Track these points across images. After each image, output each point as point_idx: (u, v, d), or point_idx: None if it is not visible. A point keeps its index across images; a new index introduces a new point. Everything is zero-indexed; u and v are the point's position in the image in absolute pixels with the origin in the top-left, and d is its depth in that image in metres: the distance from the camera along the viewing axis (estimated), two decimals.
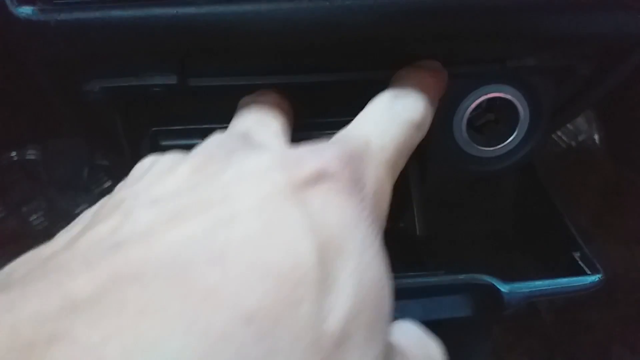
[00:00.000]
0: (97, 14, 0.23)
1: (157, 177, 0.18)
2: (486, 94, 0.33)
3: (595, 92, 0.34)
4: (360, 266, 0.15)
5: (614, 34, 0.28)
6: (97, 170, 0.75)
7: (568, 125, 0.73)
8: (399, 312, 0.31)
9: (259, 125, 0.24)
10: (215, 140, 0.21)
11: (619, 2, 0.27)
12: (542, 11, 0.26)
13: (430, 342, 0.21)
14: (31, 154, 0.75)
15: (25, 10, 0.23)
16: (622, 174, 0.71)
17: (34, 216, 0.75)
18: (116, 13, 0.23)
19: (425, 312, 0.31)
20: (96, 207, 0.19)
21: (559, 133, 0.74)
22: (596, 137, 0.75)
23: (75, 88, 0.29)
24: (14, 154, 0.75)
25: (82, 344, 0.11)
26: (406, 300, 0.31)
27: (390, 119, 0.22)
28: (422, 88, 0.25)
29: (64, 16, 0.23)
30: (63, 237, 0.17)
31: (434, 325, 0.33)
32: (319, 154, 0.17)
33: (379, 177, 0.19)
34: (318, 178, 0.16)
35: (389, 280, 0.16)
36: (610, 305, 0.72)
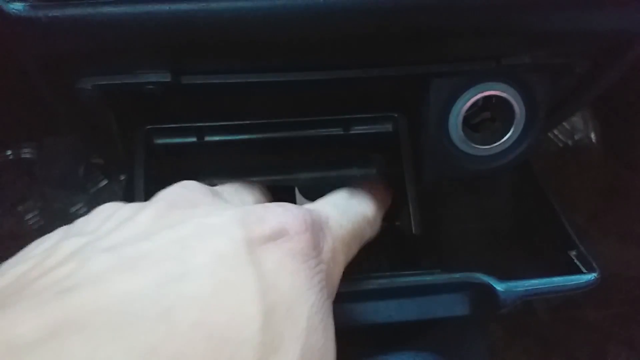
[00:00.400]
0: (89, 10, 0.23)
1: (117, 224, 0.18)
2: (482, 92, 0.33)
3: (590, 90, 0.34)
4: (307, 330, 0.15)
5: (609, 30, 0.28)
6: (93, 169, 0.74)
7: (564, 124, 0.73)
8: (395, 311, 0.31)
9: (233, 190, 0.25)
10: (182, 187, 0.21)
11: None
12: (537, 8, 0.26)
13: None
14: (27, 153, 0.75)
15: (16, 6, 0.23)
16: (618, 173, 0.71)
17: (30, 215, 0.75)
18: (108, 9, 0.23)
19: (421, 311, 0.31)
20: (48, 244, 0.18)
21: (556, 132, 0.74)
22: (592, 135, 0.75)
23: (68, 86, 0.29)
24: (9, 152, 0.75)
25: None
26: (402, 299, 0.31)
27: (348, 206, 0.24)
28: (373, 193, 0.28)
29: (55, 12, 0.23)
30: (13, 272, 0.16)
31: (430, 324, 0.33)
32: (284, 212, 0.18)
33: (335, 249, 0.20)
34: (278, 236, 0.17)
35: (334, 345, 0.17)
36: (606, 303, 0.72)
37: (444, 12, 0.26)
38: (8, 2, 0.23)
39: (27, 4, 0.23)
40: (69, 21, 0.23)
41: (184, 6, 0.23)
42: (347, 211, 0.23)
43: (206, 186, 0.22)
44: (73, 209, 0.74)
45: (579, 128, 0.76)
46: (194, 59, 0.28)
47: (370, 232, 0.26)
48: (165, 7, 0.23)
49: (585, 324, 0.72)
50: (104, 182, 0.74)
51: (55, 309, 0.13)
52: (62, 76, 0.28)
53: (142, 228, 0.17)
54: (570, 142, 0.76)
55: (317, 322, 0.16)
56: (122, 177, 0.71)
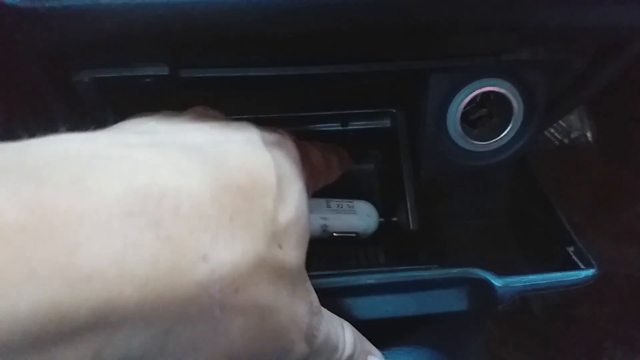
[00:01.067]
0: (87, 1, 0.23)
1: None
2: (480, 88, 0.33)
3: (589, 86, 0.34)
4: (299, 199, 0.23)
5: (607, 27, 0.28)
6: None
7: (561, 122, 0.73)
8: (392, 307, 0.31)
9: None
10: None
11: None
12: (536, 3, 0.26)
13: None
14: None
15: None
16: (614, 172, 0.71)
17: None
18: (106, 0, 0.23)
19: (418, 306, 0.31)
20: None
21: (552, 130, 0.75)
22: (589, 134, 0.75)
23: (65, 78, 0.28)
24: None
25: None
26: (399, 294, 0.31)
27: (323, 148, 0.33)
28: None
29: (52, 3, 0.23)
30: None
31: (426, 320, 0.33)
32: (282, 134, 0.26)
33: (313, 167, 0.30)
34: (280, 143, 0.24)
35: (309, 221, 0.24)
36: (602, 301, 0.73)
37: (444, 7, 0.26)
38: None
39: None
40: (66, 12, 0.23)
41: None
42: (320, 151, 0.32)
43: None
44: None
45: (576, 127, 0.76)
46: (192, 53, 0.28)
47: (337, 173, 0.34)
48: None
49: (581, 322, 0.72)
50: None
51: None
52: (60, 69, 0.28)
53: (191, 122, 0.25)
54: (566, 141, 0.77)
55: (303, 198, 0.23)
56: None
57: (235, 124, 0.24)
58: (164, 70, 0.28)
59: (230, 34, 0.25)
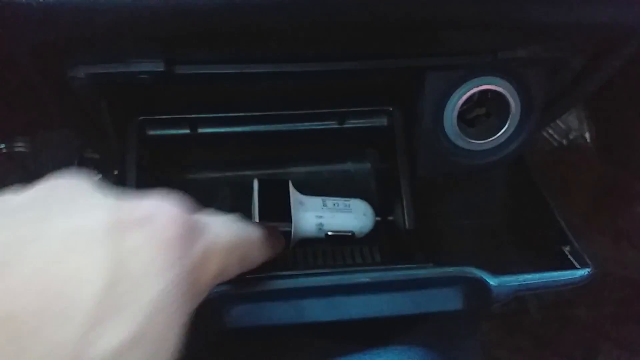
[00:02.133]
0: None
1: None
2: (478, 87, 0.33)
3: (586, 85, 0.34)
4: (149, 310, 0.16)
5: (605, 24, 0.27)
6: (87, 163, 0.74)
7: (559, 123, 0.73)
8: (387, 305, 0.31)
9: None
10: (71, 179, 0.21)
11: None
12: (533, 1, 0.26)
13: None
14: (20, 147, 0.74)
15: None
16: (612, 172, 0.71)
17: None
18: None
19: (414, 305, 0.31)
20: None
21: (550, 131, 0.75)
22: (587, 135, 0.75)
23: (60, 74, 0.28)
24: (2, 146, 0.74)
25: None
26: (394, 292, 0.31)
27: (233, 225, 0.24)
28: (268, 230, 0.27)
29: None
30: None
31: (421, 319, 0.33)
32: (157, 206, 0.19)
33: (206, 255, 0.21)
34: (145, 223, 0.18)
35: (176, 338, 0.18)
36: (599, 302, 0.73)
37: (441, 3, 0.25)
38: None
39: None
40: (61, 7, 0.23)
41: None
42: (229, 226, 0.24)
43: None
44: None
45: (574, 127, 0.76)
46: (187, 48, 0.28)
47: (257, 256, 0.26)
48: None
49: (577, 323, 0.72)
50: (98, 177, 0.74)
51: None
52: (55, 64, 0.28)
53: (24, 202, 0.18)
54: (564, 142, 0.76)
55: (163, 307, 0.17)
56: (116, 172, 0.71)
57: (77, 204, 0.17)
58: (159, 66, 0.28)
59: (225, 31, 0.25)
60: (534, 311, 0.74)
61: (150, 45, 0.27)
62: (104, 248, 0.16)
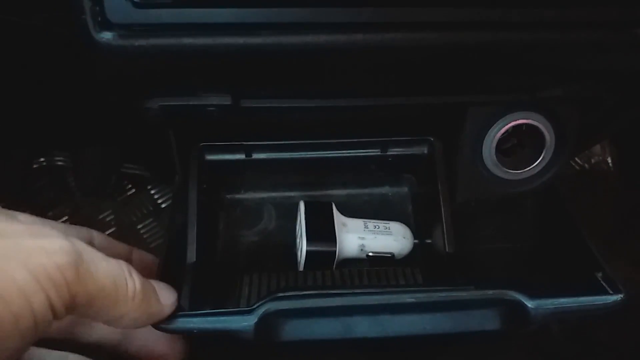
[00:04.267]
0: (172, 40, 0.26)
1: None
2: (515, 120, 0.35)
3: (619, 120, 0.36)
4: None
5: (635, 69, 0.30)
6: (122, 178, 0.77)
7: None
8: (429, 324, 0.33)
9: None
10: None
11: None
12: (572, 49, 0.28)
13: None
14: (59, 161, 0.77)
15: (106, 35, 0.26)
16: (635, 197, 0.72)
17: (59, 221, 0.77)
18: (188, 40, 0.26)
19: (454, 324, 0.32)
20: None
21: None
22: (609, 159, 0.76)
23: (136, 105, 0.31)
24: (42, 159, 0.78)
25: None
26: (436, 312, 0.32)
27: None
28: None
29: (141, 42, 0.26)
30: None
31: (462, 338, 0.34)
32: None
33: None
34: None
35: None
36: (623, 325, 0.73)
37: (485, 52, 0.28)
38: (98, 31, 0.26)
39: (116, 34, 0.26)
40: (153, 50, 0.26)
41: (258, 40, 0.25)
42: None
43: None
44: (101, 216, 0.76)
45: (596, 152, 0.77)
46: (252, 85, 0.31)
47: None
48: (240, 40, 0.26)
49: (601, 346, 0.73)
50: (132, 191, 0.77)
51: None
52: (134, 97, 0.30)
53: None
54: (587, 166, 0.78)
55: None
56: (149, 187, 0.74)
57: None
58: (226, 100, 0.31)
59: (291, 72, 0.28)
60: (556, 333, 0.75)
61: (221, 82, 0.30)
62: None
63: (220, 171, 0.38)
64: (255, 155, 0.38)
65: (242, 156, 0.37)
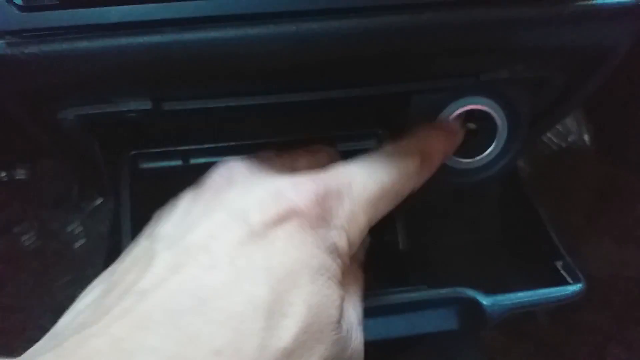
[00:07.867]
0: (65, 45, 0.23)
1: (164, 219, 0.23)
2: (462, 107, 0.33)
3: (571, 100, 0.34)
4: (311, 292, 0.19)
5: (583, 46, 0.28)
6: (88, 188, 0.74)
7: (557, 126, 0.74)
8: (383, 328, 0.31)
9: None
10: (225, 168, 0.25)
11: (589, 13, 0.27)
12: (514, 27, 0.26)
13: None
14: (21, 174, 0.75)
15: None
16: (613, 173, 0.71)
17: (26, 236, 0.75)
18: (83, 44, 0.23)
19: (409, 327, 0.31)
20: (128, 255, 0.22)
21: (549, 135, 0.75)
22: (586, 137, 0.75)
23: (49, 117, 0.29)
24: (3, 174, 0.75)
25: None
26: (389, 316, 0.31)
27: (379, 165, 0.25)
28: (426, 147, 0.28)
29: (32, 49, 0.23)
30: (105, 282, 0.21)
31: (421, 338, 0.33)
32: (296, 192, 0.21)
33: (353, 211, 0.22)
34: (289, 215, 0.20)
35: (339, 293, 0.20)
36: (605, 305, 0.72)
37: (424, 35, 0.26)
38: None
39: (3, 42, 0.23)
40: (46, 57, 0.24)
41: (156, 38, 0.23)
42: (376, 170, 0.24)
43: (247, 162, 0.25)
44: (69, 228, 0.74)
45: (573, 130, 0.76)
46: (172, 87, 0.29)
47: (413, 184, 0.27)
48: (138, 39, 0.23)
49: (584, 326, 0.72)
50: (100, 201, 0.75)
51: (133, 314, 0.18)
52: (43, 108, 0.28)
53: (177, 219, 0.22)
54: (564, 145, 0.77)
55: (322, 282, 0.20)
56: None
57: (230, 206, 0.21)
58: (146, 105, 0.29)
59: (207, 70, 0.26)
60: (540, 317, 0.74)
61: (136, 86, 0.28)
62: (262, 263, 0.19)
63: (157, 180, 0.36)
64: (194, 161, 0.36)
65: (179, 162, 0.35)
